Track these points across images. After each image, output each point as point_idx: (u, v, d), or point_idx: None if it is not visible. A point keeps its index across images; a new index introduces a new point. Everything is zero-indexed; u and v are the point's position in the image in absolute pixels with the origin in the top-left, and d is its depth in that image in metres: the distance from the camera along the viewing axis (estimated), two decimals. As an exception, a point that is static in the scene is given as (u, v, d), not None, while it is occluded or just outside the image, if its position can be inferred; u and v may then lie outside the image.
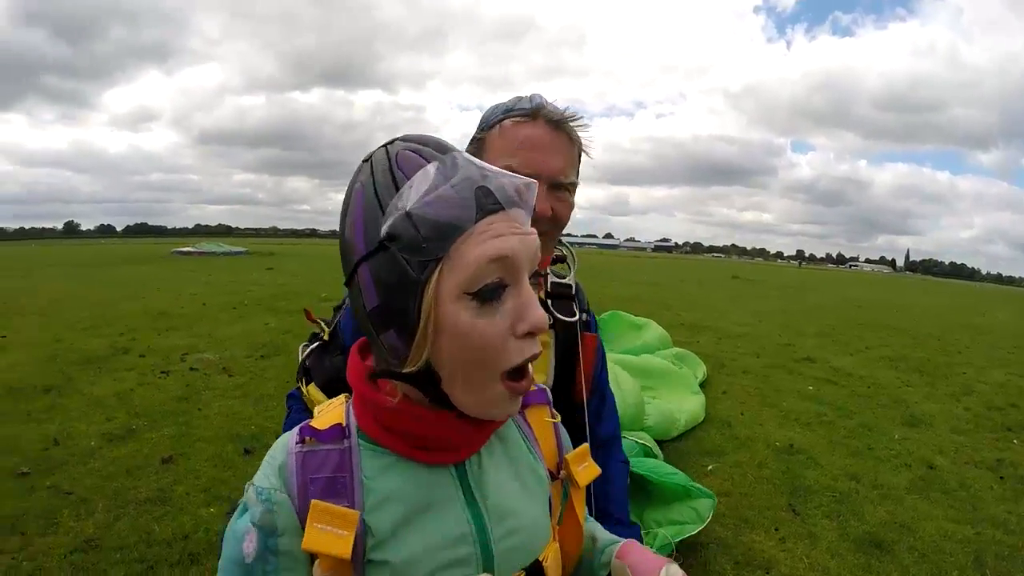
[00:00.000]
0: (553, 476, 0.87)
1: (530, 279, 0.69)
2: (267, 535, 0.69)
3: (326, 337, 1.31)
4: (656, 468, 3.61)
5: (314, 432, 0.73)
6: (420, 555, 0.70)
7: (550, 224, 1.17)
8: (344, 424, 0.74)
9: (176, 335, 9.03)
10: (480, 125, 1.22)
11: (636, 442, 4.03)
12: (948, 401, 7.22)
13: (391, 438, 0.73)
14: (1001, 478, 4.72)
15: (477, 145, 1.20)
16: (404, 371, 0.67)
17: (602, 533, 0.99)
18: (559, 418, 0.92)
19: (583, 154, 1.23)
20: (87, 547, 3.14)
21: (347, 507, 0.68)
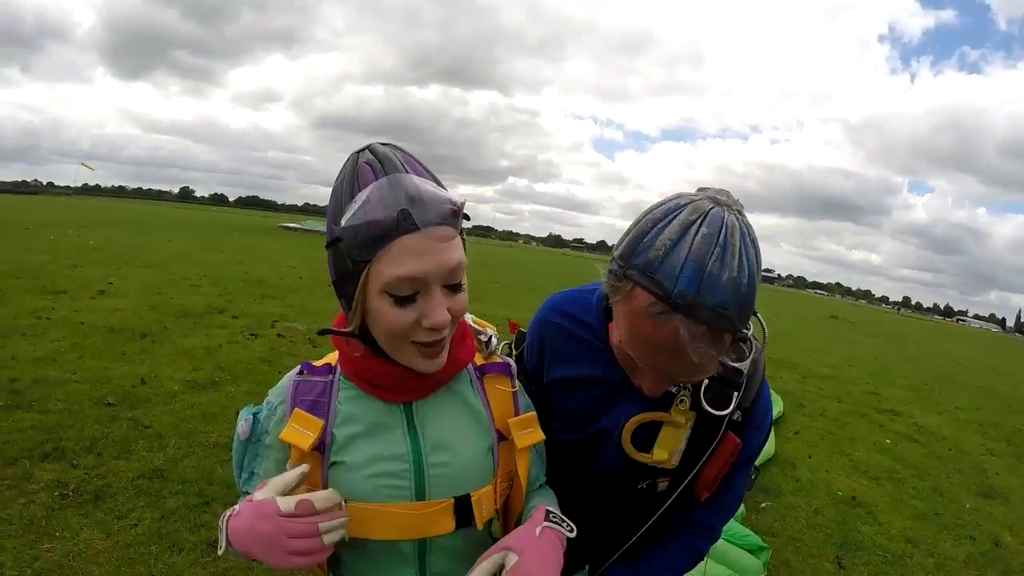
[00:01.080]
0: (503, 436, 1.04)
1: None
2: (262, 430, 1.01)
3: (515, 357, 1.32)
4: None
5: (310, 368, 1.02)
6: (365, 461, 0.94)
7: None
8: (333, 365, 1.02)
9: (270, 303, 9.58)
10: (619, 260, 0.94)
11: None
12: (1033, 477, 6.70)
13: (358, 380, 0.98)
14: (1073, 568, 4.33)
15: (614, 290, 0.96)
16: (347, 331, 0.92)
17: (535, 499, 1.12)
18: (518, 387, 1.08)
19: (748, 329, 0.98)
20: (154, 475, 3.46)
21: (319, 419, 0.95)
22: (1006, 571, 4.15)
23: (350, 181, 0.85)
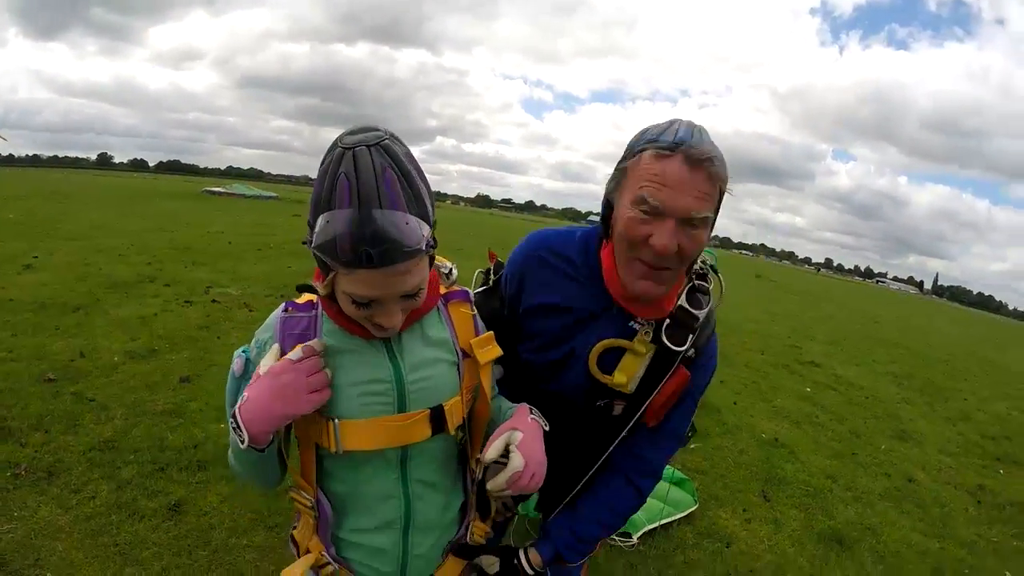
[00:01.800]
0: (466, 354, 1.20)
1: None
2: (253, 367, 1.11)
3: (491, 284, 1.53)
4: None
5: (294, 305, 1.13)
6: (352, 383, 1.09)
7: (676, 260, 1.20)
8: (314, 302, 1.13)
9: (201, 269, 9.37)
10: (625, 152, 1.24)
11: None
12: (943, 423, 7.31)
13: (339, 319, 1.10)
14: (979, 503, 4.79)
15: (620, 174, 1.23)
16: (320, 292, 1.05)
17: (503, 402, 1.34)
18: (475, 311, 1.25)
19: (724, 191, 1.21)
20: (104, 447, 3.44)
21: None
22: (919, 503, 4.57)
23: (328, 188, 0.93)
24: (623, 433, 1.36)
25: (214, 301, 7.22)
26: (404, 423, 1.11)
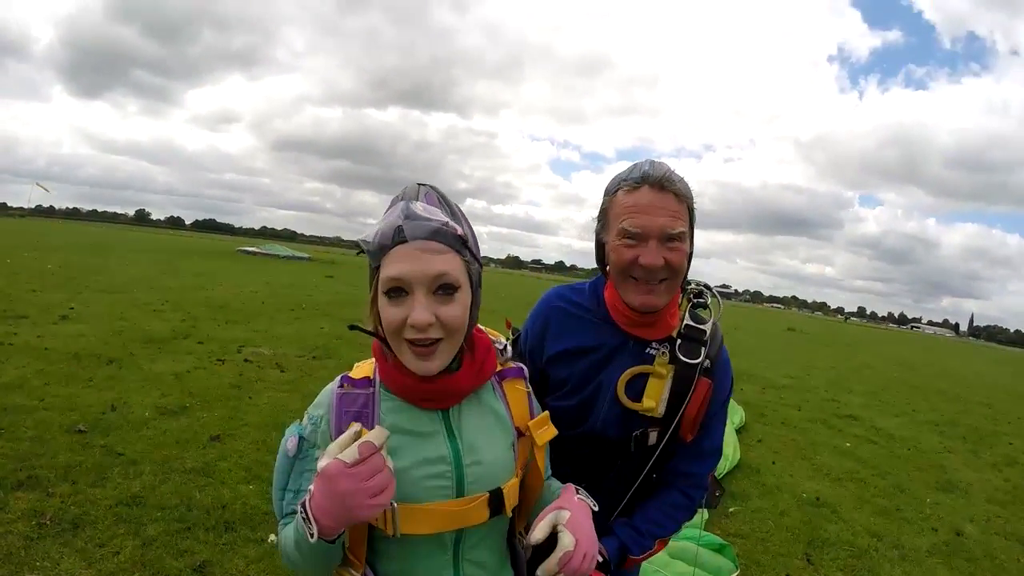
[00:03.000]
0: (521, 433, 1.19)
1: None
2: (308, 445, 1.09)
3: (509, 344, 1.57)
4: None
5: (350, 380, 1.12)
6: (411, 465, 1.06)
7: (666, 272, 1.37)
8: (371, 377, 1.13)
9: (235, 328, 9.49)
10: (603, 197, 1.46)
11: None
12: (988, 470, 7.02)
13: (398, 390, 1.10)
14: (1031, 551, 4.56)
15: (602, 212, 1.45)
16: (370, 329, 1.10)
17: (554, 483, 1.31)
18: (530, 389, 1.25)
19: (692, 206, 1.41)
20: (132, 502, 3.43)
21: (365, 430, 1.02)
22: (969, 558, 4.35)
23: (388, 207, 1.09)
24: (658, 451, 1.44)
25: (247, 360, 7.27)
26: (464, 508, 1.08)
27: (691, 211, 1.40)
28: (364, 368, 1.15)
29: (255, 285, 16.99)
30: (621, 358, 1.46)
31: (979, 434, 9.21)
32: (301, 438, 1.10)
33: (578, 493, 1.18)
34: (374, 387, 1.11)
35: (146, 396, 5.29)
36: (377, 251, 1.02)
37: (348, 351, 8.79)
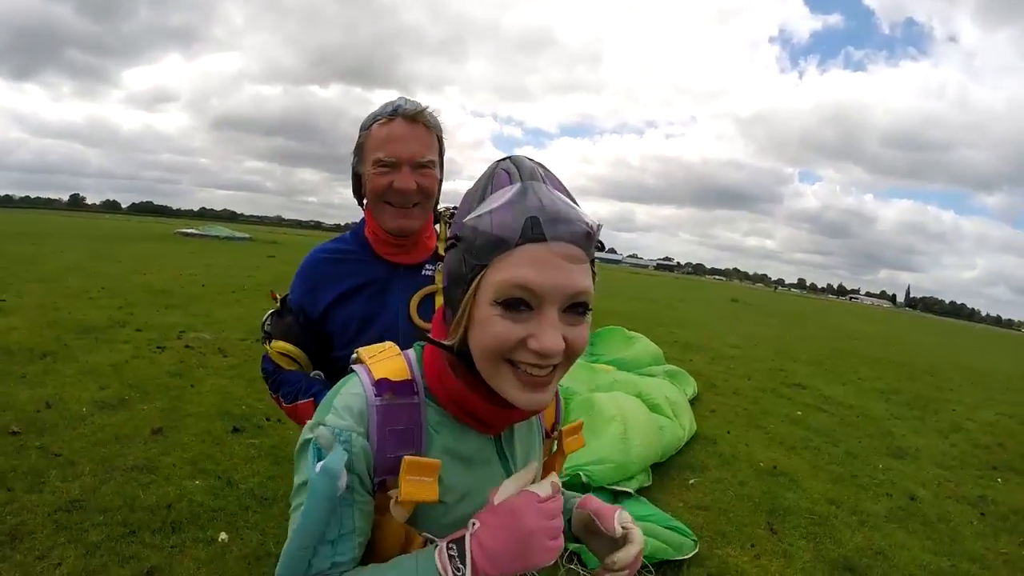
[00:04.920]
0: (547, 434, 1.07)
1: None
2: (352, 475, 0.81)
3: (279, 305, 1.62)
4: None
5: (391, 386, 0.85)
6: (467, 497, 0.87)
7: (420, 196, 1.47)
8: (412, 380, 0.87)
9: (174, 313, 9.13)
10: (359, 132, 1.52)
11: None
12: (935, 436, 7.27)
13: (452, 406, 0.87)
14: (982, 514, 4.76)
15: (358, 146, 1.51)
16: (446, 343, 0.82)
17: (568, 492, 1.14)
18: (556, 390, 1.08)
19: (441, 137, 1.54)
20: (71, 507, 3.20)
21: (433, 460, 0.82)
22: (924, 521, 4.48)
23: (484, 185, 0.81)
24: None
25: (187, 347, 6.98)
26: None
27: (440, 142, 1.54)
28: (394, 366, 0.88)
29: (194, 268, 16.44)
30: (399, 285, 1.54)
31: (924, 401, 9.55)
32: (347, 469, 0.80)
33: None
34: (419, 395, 0.87)
35: (83, 390, 5.00)
36: (492, 246, 0.75)
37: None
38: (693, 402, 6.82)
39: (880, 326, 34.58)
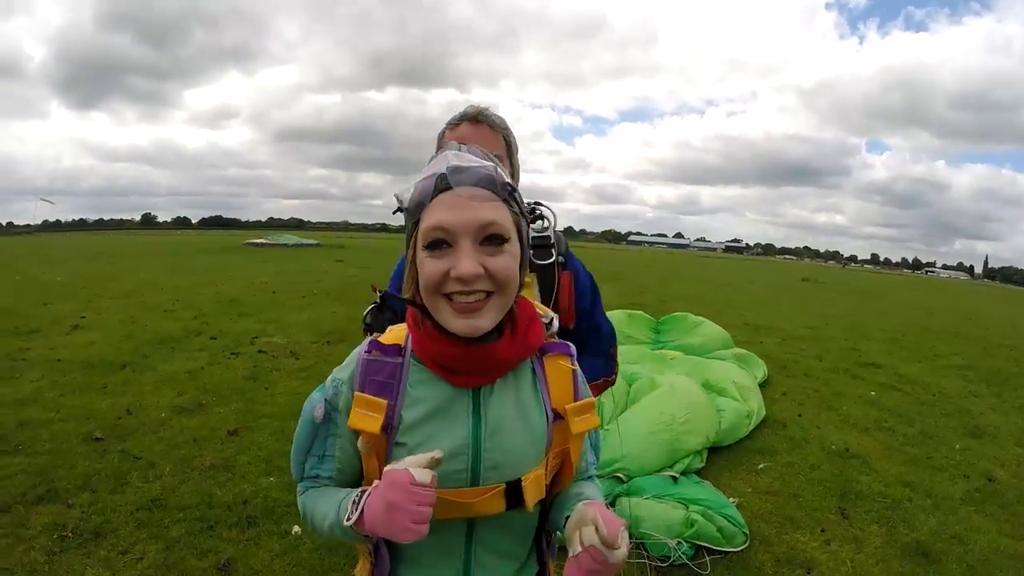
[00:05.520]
0: (559, 416, 1.06)
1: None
2: (332, 409, 1.04)
3: (379, 300, 1.63)
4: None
5: (380, 347, 1.04)
6: (427, 443, 0.98)
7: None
8: (402, 345, 1.04)
9: (246, 320, 9.47)
10: (438, 139, 1.65)
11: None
12: (1015, 414, 6.88)
13: (430, 362, 1.01)
14: (1065, 496, 4.47)
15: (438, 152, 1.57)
16: (404, 296, 1.03)
17: (586, 488, 1.16)
18: (576, 367, 1.12)
19: (507, 134, 1.65)
20: (152, 506, 3.39)
21: (383, 399, 0.99)
22: (1002, 503, 4.26)
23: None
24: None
25: (260, 352, 7.25)
26: (474, 499, 1.00)
27: (507, 139, 1.65)
28: (396, 334, 1.08)
29: (265, 276, 16.96)
30: None
31: (1002, 376, 9.06)
32: (327, 402, 1.04)
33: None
34: (404, 356, 1.03)
35: (161, 397, 5.27)
36: (417, 205, 0.96)
37: (362, 333, 8.74)
38: (763, 385, 6.68)
39: (957, 300, 32.98)
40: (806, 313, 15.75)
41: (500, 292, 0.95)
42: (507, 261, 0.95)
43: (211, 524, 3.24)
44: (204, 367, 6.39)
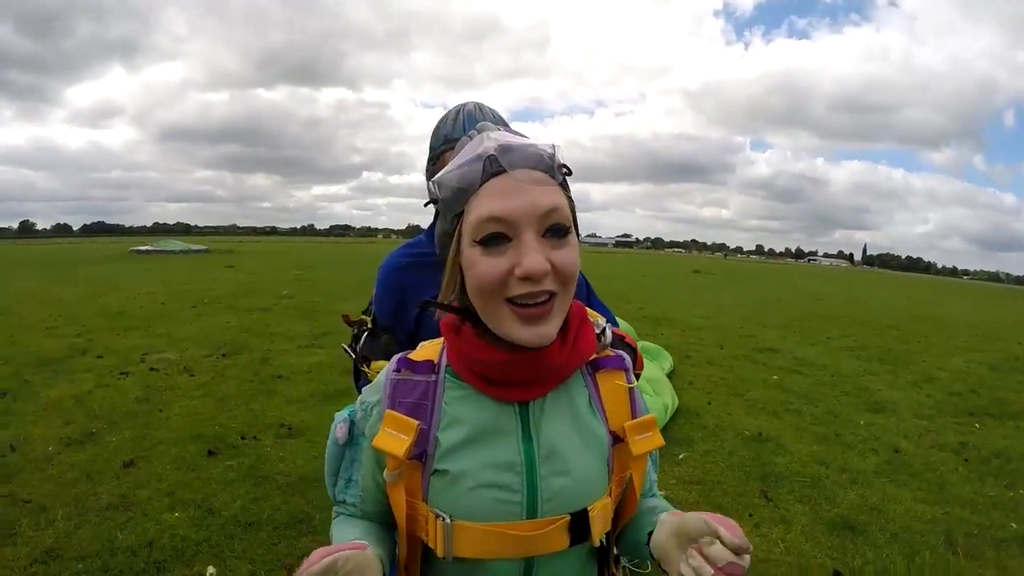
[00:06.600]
0: (619, 439, 0.93)
1: None
2: (358, 432, 0.94)
3: (370, 326, 1.54)
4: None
5: (410, 364, 0.91)
6: (471, 469, 0.85)
7: None
8: (436, 362, 0.92)
9: (135, 335, 8.81)
10: (438, 142, 1.48)
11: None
12: (910, 388, 7.42)
13: (469, 375, 0.88)
14: (965, 460, 4.87)
15: (437, 161, 1.45)
16: (444, 302, 0.88)
17: (657, 503, 1.02)
18: (635, 384, 0.99)
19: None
20: (48, 558, 2.99)
21: (415, 420, 0.85)
22: (912, 473, 4.56)
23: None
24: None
25: (152, 369, 6.71)
26: (535, 532, 0.84)
27: None
28: (429, 349, 0.95)
29: (152, 285, 15.93)
30: None
31: (893, 355, 9.75)
32: (352, 423, 0.95)
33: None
34: (438, 373, 0.90)
35: (47, 428, 4.75)
36: (459, 194, 0.81)
37: (259, 342, 8.35)
38: (671, 376, 6.84)
39: (841, 285, 35.28)
40: (701, 304, 16.42)
41: (564, 291, 0.82)
42: (572, 254, 0.82)
43: (115, 574, 2.89)
44: (92, 390, 5.84)
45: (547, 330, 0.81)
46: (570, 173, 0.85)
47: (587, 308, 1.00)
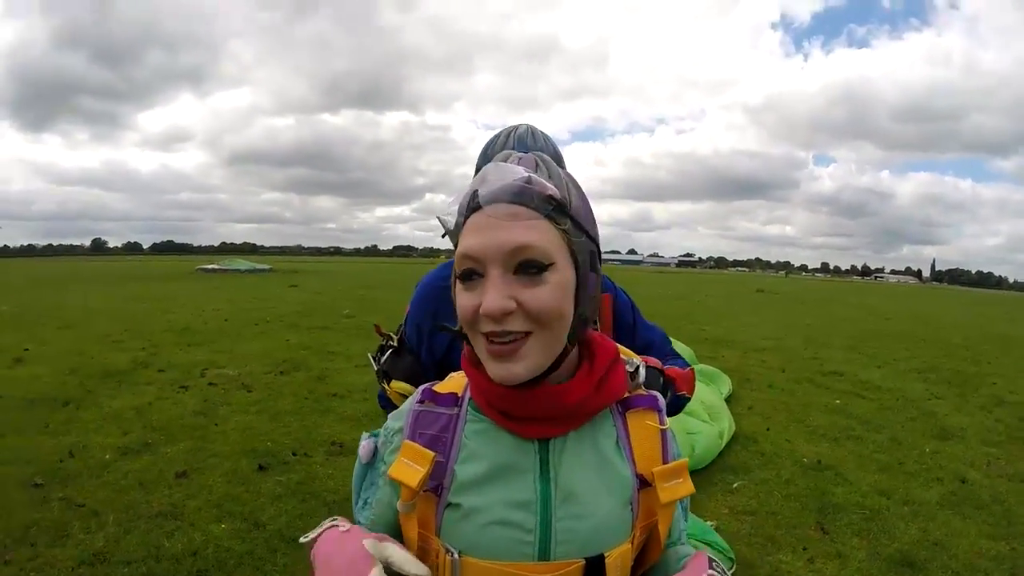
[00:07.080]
0: (646, 483, 0.88)
1: None
2: (379, 455, 0.93)
3: (396, 344, 1.53)
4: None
5: (434, 396, 0.91)
6: (485, 505, 0.82)
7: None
8: (460, 395, 0.90)
9: (198, 350, 9.09)
10: (484, 163, 1.42)
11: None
12: (979, 413, 7.01)
13: (488, 408, 0.86)
14: (1037, 491, 4.53)
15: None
16: (455, 328, 0.85)
17: (684, 549, 1.00)
18: (667, 426, 0.94)
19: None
20: (95, 560, 3.10)
21: (432, 452, 0.83)
22: (978, 505, 4.27)
23: None
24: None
25: (211, 384, 6.91)
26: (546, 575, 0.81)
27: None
28: (455, 382, 0.93)
29: (217, 303, 16.46)
30: None
31: (963, 377, 9.25)
32: (376, 445, 0.95)
33: (712, 567, 0.84)
34: (461, 406, 0.89)
35: (106, 436, 4.94)
36: (456, 230, 0.83)
37: (317, 361, 8.48)
38: (729, 400, 6.64)
39: (909, 303, 33.95)
40: (765, 324, 15.99)
41: (541, 331, 0.78)
42: (545, 293, 0.77)
43: (158, 580, 2.97)
44: (152, 402, 6.04)
45: (516, 369, 0.78)
46: (560, 205, 0.80)
47: (619, 346, 0.95)
